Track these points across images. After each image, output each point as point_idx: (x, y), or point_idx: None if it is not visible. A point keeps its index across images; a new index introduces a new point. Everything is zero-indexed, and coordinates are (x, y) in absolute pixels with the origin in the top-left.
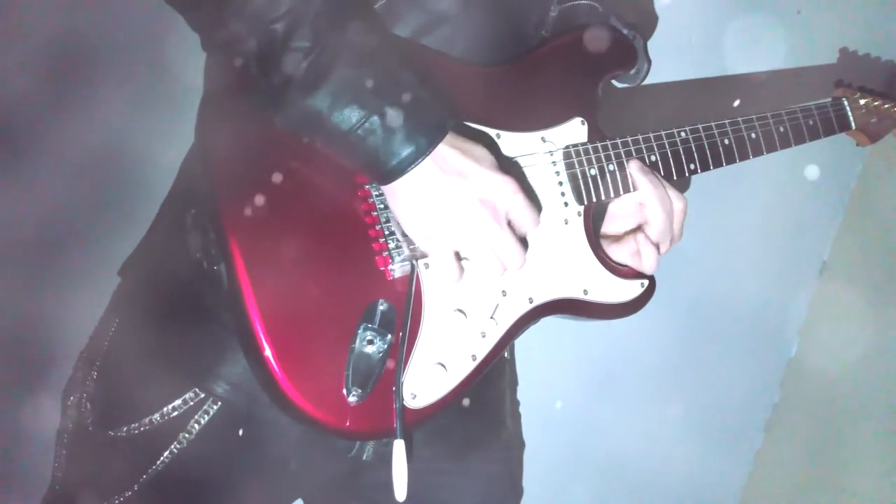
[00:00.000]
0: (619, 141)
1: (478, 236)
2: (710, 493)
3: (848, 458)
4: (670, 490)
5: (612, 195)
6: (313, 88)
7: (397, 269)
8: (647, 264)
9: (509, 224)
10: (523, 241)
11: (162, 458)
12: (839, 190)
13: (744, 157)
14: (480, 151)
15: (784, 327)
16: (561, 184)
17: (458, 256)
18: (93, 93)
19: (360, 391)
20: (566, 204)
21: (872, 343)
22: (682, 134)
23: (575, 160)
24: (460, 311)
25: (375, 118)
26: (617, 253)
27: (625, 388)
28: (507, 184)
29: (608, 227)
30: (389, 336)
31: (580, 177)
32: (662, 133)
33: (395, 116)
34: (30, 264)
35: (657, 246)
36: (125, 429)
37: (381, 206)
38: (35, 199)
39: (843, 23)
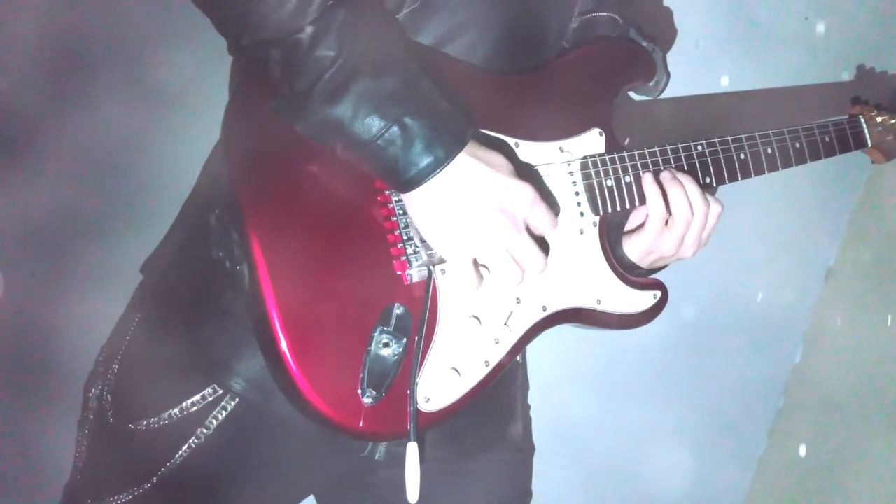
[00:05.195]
0: (636, 153)
1: (497, 243)
2: (713, 499)
3: (851, 464)
4: (674, 494)
5: (627, 206)
6: (336, 97)
7: (414, 274)
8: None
9: (528, 230)
10: (543, 247)
11: (180, 453)
12: (845, 196)
13: (759, 171)
14: (499, 159)
15: (789, 333)
16: (577, 194)
17: (476, 264)
18: (115, 93)
19: (374, 393)
20: (582, 214)
21: (877, 350)
22: (699, 147)
23: (592, 171)
24: (475, 317)
25: (396, 128)
26: (639, 241)
27: (631, 394)
28: (526, 191)
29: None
30: (405, 340)
31: (597, 187)
32: (679, 146)
33: (415, 127)
34: (54, 260)
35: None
36: (145, 422)
37: (401, 211)
38: (60, 196)
39: (859, 39)
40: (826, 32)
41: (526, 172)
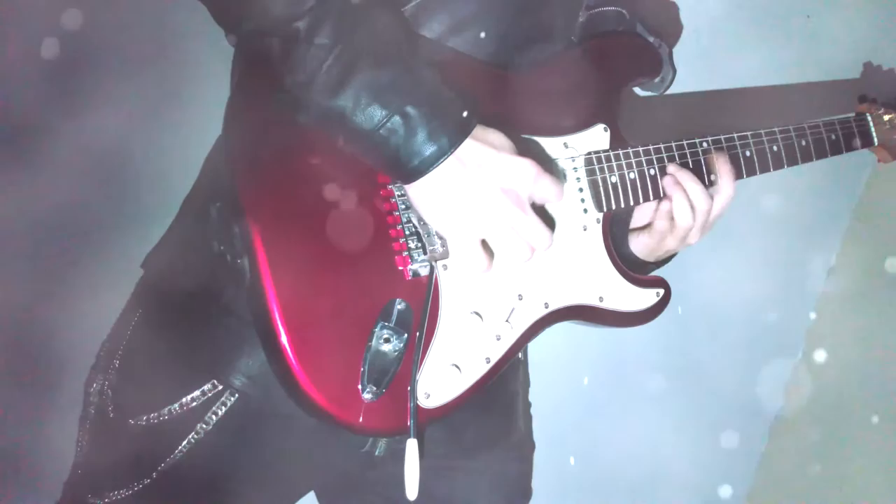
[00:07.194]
0: (640, 149)
1: (503, 222)
2: (715, 497)
3: (853, 462)
4: (675, 492)
5: (631, 203)
6: (336, 87)
7: (416, 270)
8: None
9: (533, 206)
10: (548, 224)
11: (180, 448)
12: (846, 195)
13: (765, 169)
14: (498, 138)
15: (790, 331)
16: (581, 190)
17: (484, 246)
18: (117, 88)
19: (374, 388)
20: (585, 210)
21: (878, 348)
22: (704, 144)
23: (596, 167)
24: (476, 313)
25: (397, 118)
26: (647, 241)
27: (631, 391)
28: (528, 166)
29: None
30: (406, 335)
31: (601, 184)
32: (685, 142)
33: (417, 116)
34: (55, 255)
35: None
36: (145, 418)
37: (403, 206)
38: (61, 191)
39: (866, 36)
40: (832, 30)
41: (527, 149)
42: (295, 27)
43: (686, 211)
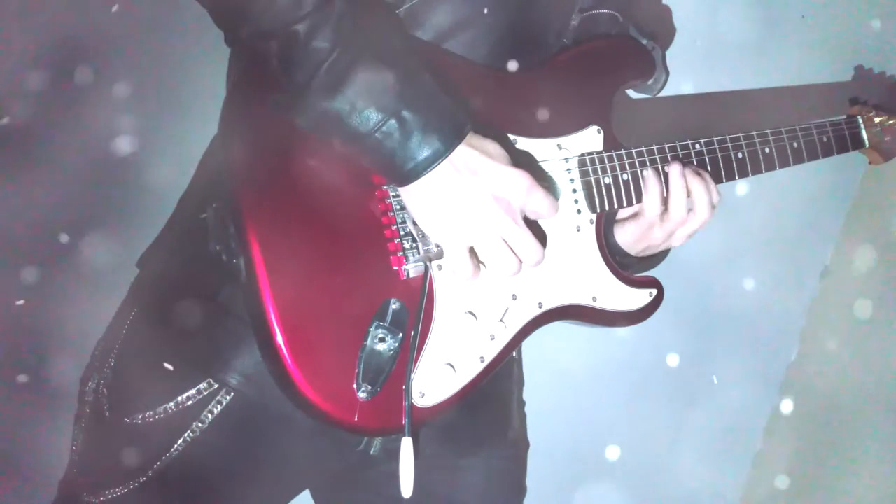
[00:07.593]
0: (633, 150)
1: (493, 232)
2: (708, 497)
3: (847, 463)
4: (669, 493)
5: (625, 204)
6: (333, 90)
7: (411, 270)
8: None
9: (526, 220)
10: (540, 238)
11: (175, 446)
12: (841, 195)
13: (756, 171)
14: (494, 148)
15: (785, 332)
16: (575, 191)
17: (473, 253)
18: (113, 88)
19: (369, 388)
20: (579, 211)
21: (873, 348)
22: (697, 146)
23: (590, 168)
24: (471, 313)
25: (393, 121)
26: (632, 229)
27: (626, 391)
28: (521, 178)
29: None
30: (401, 335)
31: (594, 185)
32: (677, 144)
33: (412, 120)
34: (51, 254)
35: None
36: (140, 416)
37: (398, 206)
38: (56, 190)
39: (857, 38)
40: (825, 31)
41: (523, 163)
42: (294, 30)
43: (682, 205)
